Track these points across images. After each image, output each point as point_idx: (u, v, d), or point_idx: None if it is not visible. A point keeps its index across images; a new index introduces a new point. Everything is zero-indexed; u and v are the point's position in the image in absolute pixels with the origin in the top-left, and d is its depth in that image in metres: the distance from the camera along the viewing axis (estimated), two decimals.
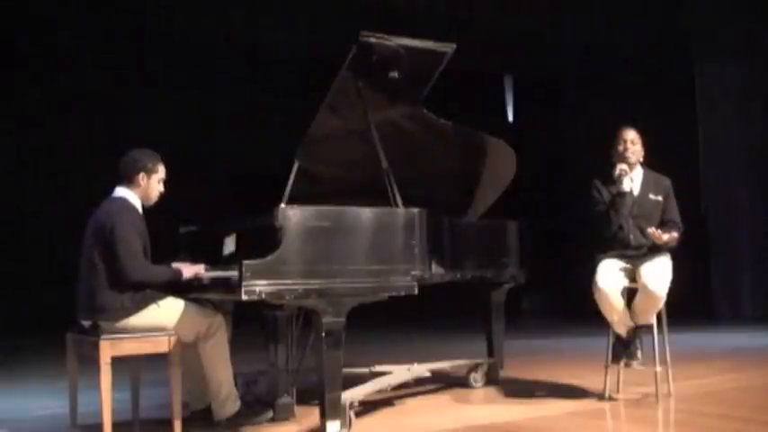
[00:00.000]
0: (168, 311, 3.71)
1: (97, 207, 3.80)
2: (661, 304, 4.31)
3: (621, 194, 4.47)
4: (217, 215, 4.45)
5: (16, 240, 9.56)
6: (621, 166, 4.49)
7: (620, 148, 4.54)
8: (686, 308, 6.75)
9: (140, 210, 3.81)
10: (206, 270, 3.87)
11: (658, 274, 4.32)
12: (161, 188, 3.88)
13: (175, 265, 3.84)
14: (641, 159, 4.60)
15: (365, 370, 4.69)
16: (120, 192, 3.80)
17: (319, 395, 3.57)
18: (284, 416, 4.06)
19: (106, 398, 3.51)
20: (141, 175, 3.79)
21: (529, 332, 8.44)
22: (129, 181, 3.80)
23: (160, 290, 3.75)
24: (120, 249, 3.60)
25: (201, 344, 3.79)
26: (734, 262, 10.09)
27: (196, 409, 4.00)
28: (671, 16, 10.34)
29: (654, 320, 4.34)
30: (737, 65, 10.03)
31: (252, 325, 4.27)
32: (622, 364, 4.44)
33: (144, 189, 3.81)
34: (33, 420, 4.40)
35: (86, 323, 3.71)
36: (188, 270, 3.81)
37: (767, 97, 9.75)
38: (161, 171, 3.86)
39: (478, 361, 5.06)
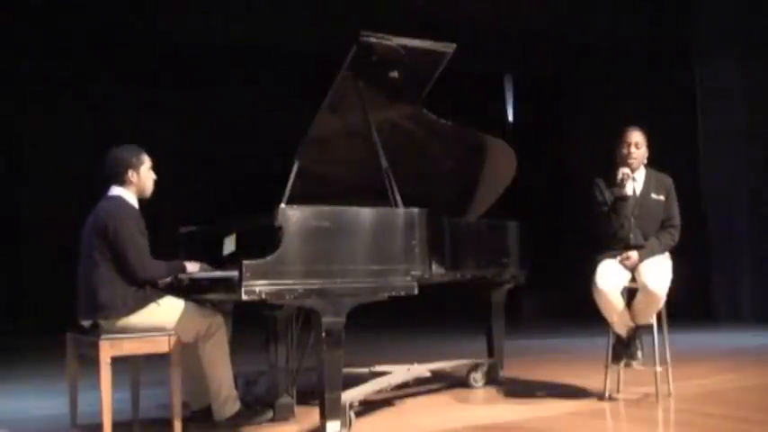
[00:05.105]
0: (168, 311, 3.71)
1: (94, 206, 3.80)
2: (661, 304, 4.31)
3: (623, 198, 4.43)
4: (217, 215, 4.45)
5: (15, 239, 9.56)
6: (624, 170, 4.43)
7: (624, 152, 4.50)
8: (686, 308, 6.76)
9: (137, 206, 3.82)
10: (202, 269, 3.88)
11: (658, 274, 4.32)
12: (153, 176, 3.87)
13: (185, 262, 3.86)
14: (645, 162, 4.57)
15: (365, 370, 4.69)
16: (116, 191, 3.79)
17: (319, 395, 3.56)
18: (284, 416, 4.06)
19: (106, 398, 3.51)
20: (130, 172, 3.78)
21: (529, 332, 8.43)
22: (119, 180, 3.79)
23: (161, 289, 3.75)
24: (129, 250, 3.62)
25: (201, 344, 3.80)
26: (734, 262, 10.08)
27: (196, 409, 4.00)
28: (671, 16, 10.34)
29: (654, 320, 4.34)
30: (737, 65, 10.03)
31: (252, 325, 4.27)
32: (622, 364, 4.44)
33: (137, 184, 3.81)
34: (33, 420, 4.40)
35: (86, 323, 3.70)
36: (191, 265, 3.83)
37: (767, 97, 9.74)
38: (147, 160, 3.85)
39: (478, 361, 5.06)
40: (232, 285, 3.46)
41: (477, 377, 5.02)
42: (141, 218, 3.79)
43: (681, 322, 5.54)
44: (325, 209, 3.60)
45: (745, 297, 9.96)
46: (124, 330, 3.62)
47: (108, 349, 3.55)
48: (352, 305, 3.60)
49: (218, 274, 3.75)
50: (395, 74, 4.17)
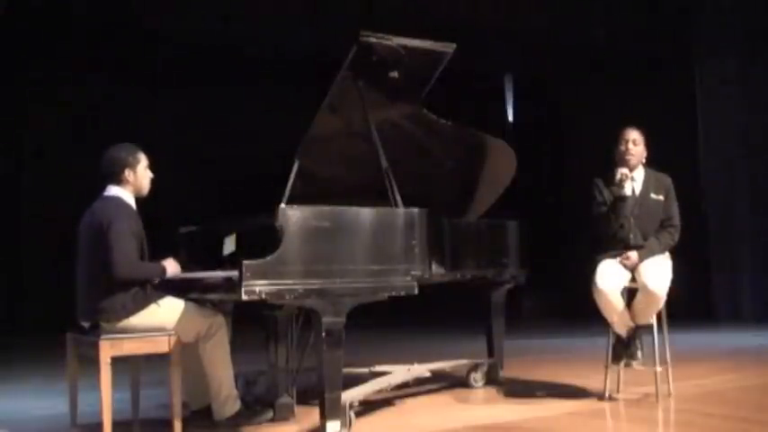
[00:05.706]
0: (168, 311, 3.71)
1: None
2: (661, 304, 4.31)
3: (622, 198, 4.44)
4: (217, 215, 4.45)
5: (15, 239, 9.56)
6: (623, 170, 4.44)
7: (622, 148, 4.52)
8: (686, 308, 6.76)
9: (134, 206, 3.81)
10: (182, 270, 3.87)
11: (658, 274, 4.32)
12: (150, 174, 3.87)
13: (164, 262, 3.83)
14: (643, 160, 4.58)
15: (365, 370, 4.69)
16: (113, 190, 3.78)
17: (319, 395, 3.57)
18: (284, 416, 4.06)
19: (106, 398, 3.51)
20: (127, 172, 3.77)
21: (529, 332, 8.43)
22: (116, 180, 3.78)
23: (159, 289, 3.75)
24: (113, 244, 3.57)
25: (202, 344, 3.79)
26: (734, 262, 10.08)
27: (196, 409, 4.00)
28: (671, 16, 10.34)
29: (654, 320, 4.35)
30: (737, 64, 10.03)
31: (252, 325, 4.27)
32: (622, 364, 4.44)
33: (134, 183, 3.80)
34: (33, 420, 4.40)
35: (86, 323, 3.70)
36: (171, 267, 3.80)
37: (767, 97, 9.74)
38: (143, 159, 3.84)
39: (478, 361, 5.06)
40: (232, 285, 3.46)
41: (477, 377, 5.02)
42: (139, 218, 3.78)
43: (681, 322, 5.54)
44: (326, 209, 3.60)
45: (746, 297, 9.96)
46: (124, 331, 3.61)
47: (108, 349, 3.55)
48: (352, 305, 3.61)
49: (200, 274, 3.75)
50: (395, 74, 4.18)
